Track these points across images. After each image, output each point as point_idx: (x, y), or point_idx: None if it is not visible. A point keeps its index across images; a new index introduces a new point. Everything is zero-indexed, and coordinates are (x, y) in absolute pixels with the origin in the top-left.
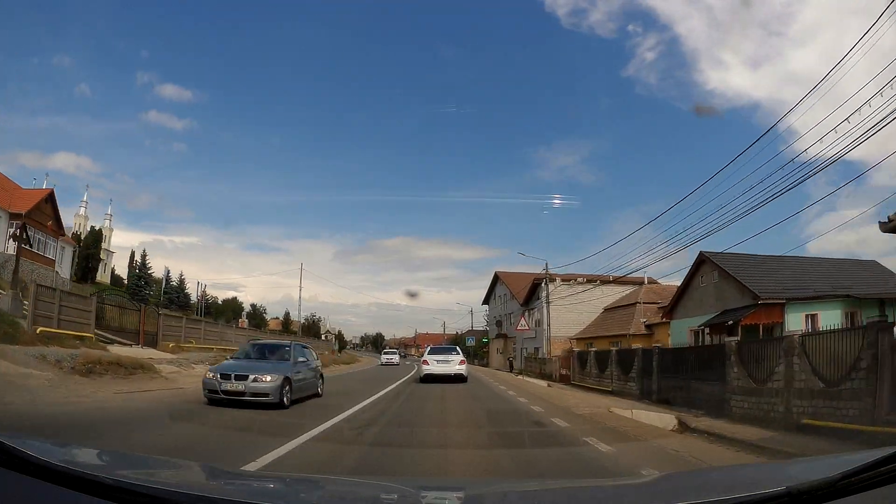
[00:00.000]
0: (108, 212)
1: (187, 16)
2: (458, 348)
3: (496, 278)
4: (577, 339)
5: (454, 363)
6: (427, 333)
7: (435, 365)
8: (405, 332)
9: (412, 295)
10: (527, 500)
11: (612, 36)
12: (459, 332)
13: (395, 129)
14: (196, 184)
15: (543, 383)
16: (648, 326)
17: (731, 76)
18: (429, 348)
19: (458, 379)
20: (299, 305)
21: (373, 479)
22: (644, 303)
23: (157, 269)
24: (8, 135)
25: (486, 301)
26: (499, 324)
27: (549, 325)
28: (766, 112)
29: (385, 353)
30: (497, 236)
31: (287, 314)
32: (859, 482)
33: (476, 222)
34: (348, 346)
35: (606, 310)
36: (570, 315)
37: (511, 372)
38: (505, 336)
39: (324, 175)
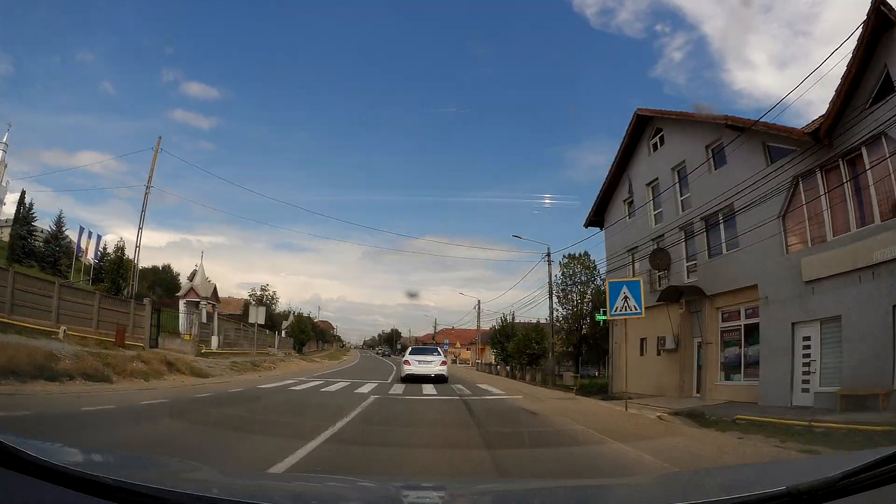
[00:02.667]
0: (3, 140)
1: (211, 12)
2: (439, 349)
3: (641, 125)
4: None
5: (434, 364)
6: (452, 329)
7: (416, 365)
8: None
9: (412, 295)
10: (512, 500)
11: (640, 36)
12: (505, 319)
13: (423, 130)
14: (224, 183)
15: None
16: None
17: (759, 76)
18: (410, 349)
19: (438, 379)
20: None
21: (357, 479)
22: None
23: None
24: (30, 132)
25: (597, 215)
26: (655, 258)
27: None
28: (792, 112)
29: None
30: (527, 236)
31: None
32: (859, 482)
33: (506, 222)
34: (347, 345)
35: None
36: None
37: None
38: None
39: (353, 175)
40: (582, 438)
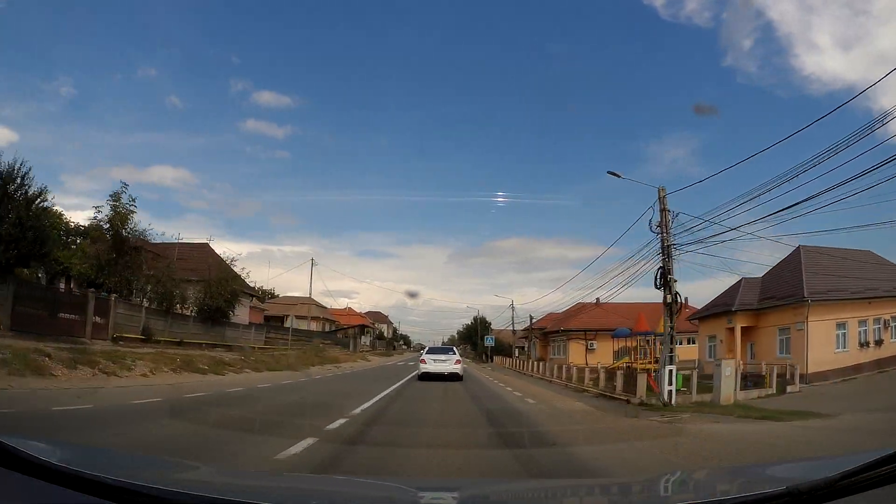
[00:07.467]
0: None
1: (273, 20)
2: (454, 349)
3: None
4: None
5: (450, 363)
6: (597, 303)
7: (432, 364)
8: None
9: (412, 295)
10: (523, 500)
11: (709, 25)
12: None
13: (504, 129)
14: (302, 191)
15: None
16: None
17: (826, 60)
18: (426, 349)
19: (452, 377)
20: None
21: (371, 479)
22: None
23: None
24: (98, 150)
25: None
26: None
27: None
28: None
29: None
30: (610, 235)
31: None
32: (859, 482)
33: (589, 221)
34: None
35: None
36: None
37: None
38: None
39: (435, 177)
40: None
